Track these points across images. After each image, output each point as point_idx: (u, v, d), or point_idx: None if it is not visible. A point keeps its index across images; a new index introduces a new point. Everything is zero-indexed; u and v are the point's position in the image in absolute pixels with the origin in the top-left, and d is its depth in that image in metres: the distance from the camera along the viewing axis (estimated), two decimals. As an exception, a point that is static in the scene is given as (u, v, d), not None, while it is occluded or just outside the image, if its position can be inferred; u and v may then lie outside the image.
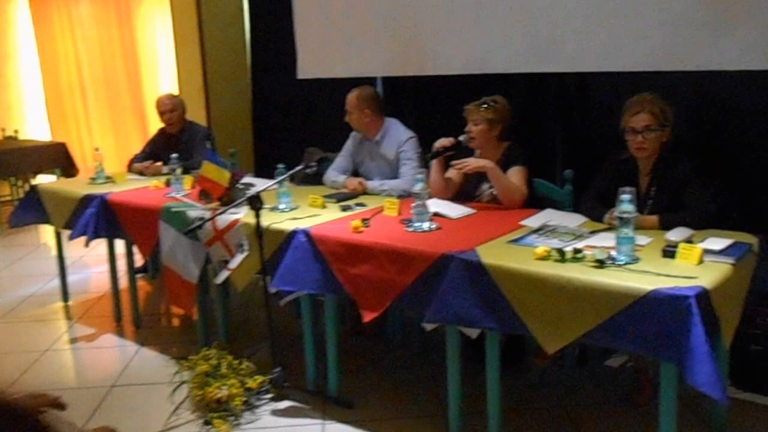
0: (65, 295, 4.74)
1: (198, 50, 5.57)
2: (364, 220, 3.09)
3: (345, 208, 3.45)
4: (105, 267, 4.45)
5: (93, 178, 4.51)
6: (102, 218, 4.03)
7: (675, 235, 2.54)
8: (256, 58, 5.71)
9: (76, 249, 4.71)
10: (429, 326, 2.76)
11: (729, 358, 3.13)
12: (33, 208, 4.49)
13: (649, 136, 2.92)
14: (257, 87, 5.77)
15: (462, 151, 3.43)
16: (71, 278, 4.91)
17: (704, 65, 3.26)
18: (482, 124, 3.40)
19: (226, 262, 3.41)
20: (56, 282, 4.85)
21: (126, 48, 6.62)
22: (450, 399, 2.87)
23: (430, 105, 4.60)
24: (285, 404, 3.27)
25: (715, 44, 3.24)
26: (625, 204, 2.42)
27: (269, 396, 3.32)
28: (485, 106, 3.41)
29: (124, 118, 6.89)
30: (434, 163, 3.49)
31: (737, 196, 3.36)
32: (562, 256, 2.47)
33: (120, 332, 4.24)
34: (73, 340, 4.15)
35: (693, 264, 2.39)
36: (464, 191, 3.58)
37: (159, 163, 4.83)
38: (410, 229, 3.00)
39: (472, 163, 3.32)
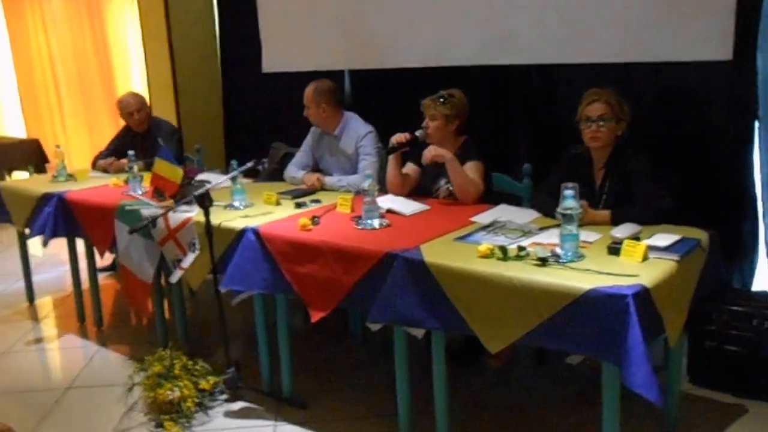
0: (30, 296, 4.67)
1: (166, 45, 5.47)
2: (313, 218, 3.02)
3: (299, 205, 3.39)
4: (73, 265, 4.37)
5: (55, 176, 4.44)
6: (60, 217, 3.96)
7: (620, 231, 2.48)
8: (226, 52, 5.62)
9: (50, 247, 4.64)
10: (374, 326, 2.70)
11: (686, 354, 3.13)
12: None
13: (604, 125, 2.86)
14: (227, 82, 5.68)
15: (419, 146, 3.35)
16: (42, 277, 4.86)
17: (661, 56, 3.21)
18: (439, 119, 3.32)
19: (180, 261, 3.35)
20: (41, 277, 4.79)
21: (98, 44, 6.53)
22: (399, 399, 2.81)
23: (397, 98, 4.51)
24: (239, 405, 3.21)
25: (672, 35, 3.19)
26: (568, 200, 2.35)
27: (224, 397, 3.26)
28: (442, 100, 3.34)
29: (97, 114, 6.79)
30: (391, 159, 3.42)
31: (695, 189, 3.31)
32: (504, 254, 2.41)
33: (83, 332, 4.17)
34: (34, 341, 4.08)
35: (637, 261, 2.33)
36: (422, 187, 3.51)
37: (124, 160, 4.76)
38: (359, 227, 2.93)
39: (432, 151, 3.25)
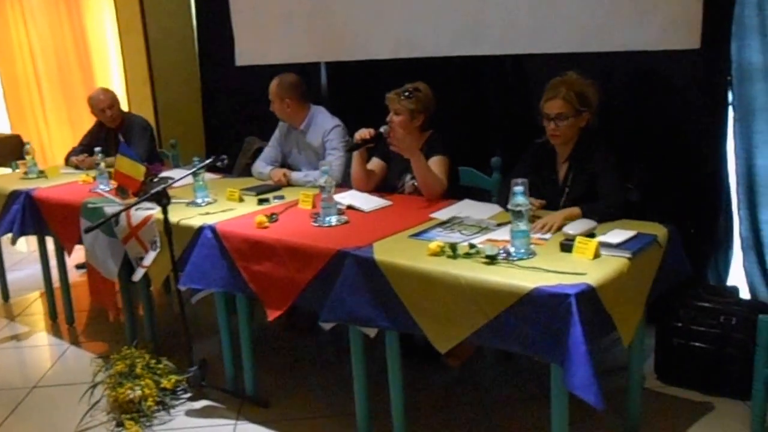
0: (5, 294, 4.64)
1: (142, 39, 5.42)
2: (271, 215, 2.98)
3: (262, 202, 3.34)
4: (53, 263, 4.33)
5: (25, 173, 4.41)
6: (28, 214, 3.93)
7: (573, 228, 2.43)
8: (203, 45, 5.54)
9: (30, 244, 4.61)
10: (326, 326, 2.66)
11: (654, 351, 3.08)
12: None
13: (562, 123, 2.80)
14: (206, 75, 5.61)
15: (383, 142, 3.30)
16: (20, 274, 4.82)
17: (628, 45, 3.15)
18: (403, 114, 3.27)
19: (142, 259, 3.31)
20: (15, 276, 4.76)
21: (77, 38, 6.48)
22: (356, 399, 2.78)
23: (374, 90, 4.44)
24: (201, 404, 3.18)
25: (639, 24, 3.13)
26: (518, 196, 2.30)
27: (188, 395, 3.23)
28: (407, 94, 3.28)
29: (79, 110, 6.71)
30: (355, 155, 3.37)
31: (666, 182, 3.26)
32: (454, 252, 2.37)
33: (55, 330, 4.15)
34: (5, 340, 4.05)
35: (588, 258, 2.28)
36: (387, 182, 3.46)
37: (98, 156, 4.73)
38: (316, 224, 2.89)
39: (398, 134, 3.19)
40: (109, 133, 4.72)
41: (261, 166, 3.88)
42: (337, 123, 3.72)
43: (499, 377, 3.27)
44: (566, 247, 2.36)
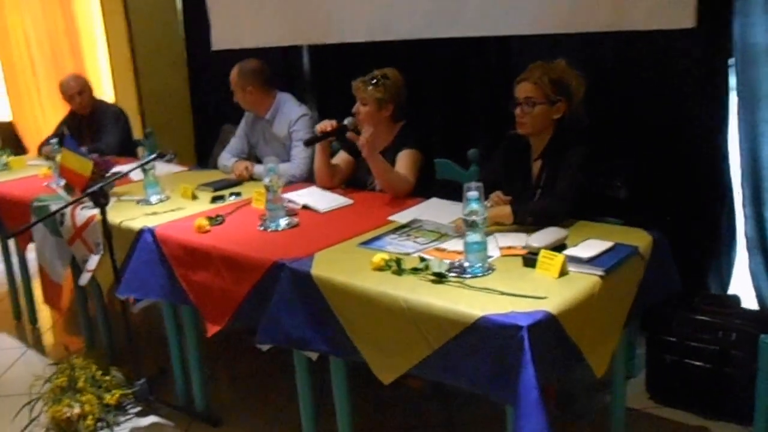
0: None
1: (124, 21, 5.07)
2: (216, 216, 2.63)
3: (216, 199, 2.99)
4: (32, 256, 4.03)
5: (-9, 166, 4.11)
6: (-14, 210, 3.62)
7: (539, 239, 2.02)
8: (190, 29, 5.17)
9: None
10: (263, 347, 2.30)
11: (645, 366, 2.70)
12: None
13: (529, 109, 2.40)
14: (193, 60, 5.25)
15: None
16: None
17: (613, 25, 2.72)
18: (370, 103, 2.88)
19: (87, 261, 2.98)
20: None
21: (68, 23, 6.13)
22: (303, 421, 2.43)
23: (360, 74, 4.08)
24: (149, 420, 2.87)
25: (629, 2, 2.69)
26: (472, 203, 1.91)
27: (137, 410, 2.91)
28: (374, 82, 2.89)
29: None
30: (318, 149, 2.99)
31: (663, 179, 2.85)
32: (399, 267, 1.99)
33: (17, 331, 3.86)
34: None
35: (553, 276, 1.89)
36: (357, 179, 3.09)
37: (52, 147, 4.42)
38: (261, 228, 2.53)
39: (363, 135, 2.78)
40: (82, 122, 4.40)
41: (225, 158, 3.52)
42: (303, 112, 3.35)
43: (472, 395, 2.89)
44: (529, 261, 1.97)
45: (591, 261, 1.92)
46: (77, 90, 4.25)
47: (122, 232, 2.73)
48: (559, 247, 2.02)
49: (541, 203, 2.33)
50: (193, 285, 2.48)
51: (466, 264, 1.95)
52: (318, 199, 2.78)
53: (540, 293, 1.78)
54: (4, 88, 7.36)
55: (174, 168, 3.73)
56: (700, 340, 2.53)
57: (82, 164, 3.04)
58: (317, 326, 2.09)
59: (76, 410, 2.76)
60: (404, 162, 2.83)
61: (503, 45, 3.31)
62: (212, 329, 2.44)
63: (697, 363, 2.55)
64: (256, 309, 2.26)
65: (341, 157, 3.09)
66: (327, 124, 2.88)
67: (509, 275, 1.93)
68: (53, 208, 3.07)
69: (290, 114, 3.35)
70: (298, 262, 2.14)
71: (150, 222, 2.70)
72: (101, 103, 4.44)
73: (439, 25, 3.21)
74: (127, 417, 2.88)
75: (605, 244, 2.02)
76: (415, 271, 1.96)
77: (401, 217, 2.50)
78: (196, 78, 5.25)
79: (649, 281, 2.11)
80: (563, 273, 1.89)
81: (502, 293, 1.80)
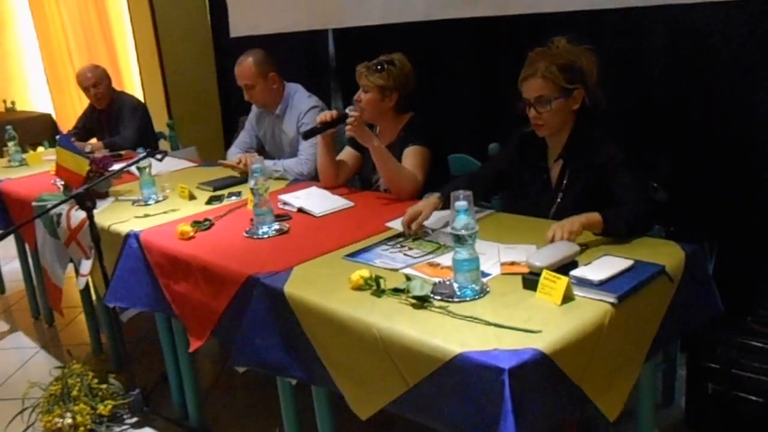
0: (1, 287, 4.32)
1: (147, 7, 4.92)
2: (204, 220, 2.43)
3: (213, 200, 2.79)
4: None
5: (9, 160, 4.03)
6: (-4, 208, 3.53)
7: (542, 256, 1.72)
8: (217, 16, 4.98)
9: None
10: (240, 369, 2.09)
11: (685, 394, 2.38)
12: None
13: (544, 109, 2.08)
14: (220, 48, 5.08)
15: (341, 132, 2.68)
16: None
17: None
18: (372, 91, 2.62)
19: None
20: (6, 269, 4.43)
21: (100, 12, 6.08)
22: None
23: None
24: (143, 433, 2.70)
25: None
26: (461, 216, 1.63)
27: (133, 420, 2.76)
28: (378, 68, 2.62)
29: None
30: (320, 143, 2.75)
31: (705, 179, 2.49)
32: (378, 287, 1.73)
33: (33, 330, 3.78)
34: (-21, 340, 3.72)
35: (555, 302, 1.60)
36: (362, 176, 2.84)
37: (94, 140, 4.31)
38: (247, 236, 2.30)
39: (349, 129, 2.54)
40: (101, 115, 4.29)
41: (231, 153, 3.32)
42: (313, 103, 3.11)
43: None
44: (529, 283, 1.68)
45: (602, 285, 1.62)
46: (92, 82, 4.13)
47: (111, 235, 2.56)
48: (569, 265, 1.72)
49: (633, 210, 1.95)
50: (175, 296, 2.29)
51: (455, 285, 1.68)
52: (316, 201, 2.54)
53: (535, 324, 1.50)
54: (45, 79, 7.40)
55: (184, 164, 3.56)
56: (750, 369, 2.18)
57: (77, 163, 2.89)
58: (292, 350, 1.86)
59: (68, 420, 2.63)
60: (411, 159, 2.56)
61: (535, 24, 2.98)
62: (194, 344, 2.25)
63: (746, 395, 2.19)
64: (234, 326, 2.04)
65: (347, 153, 2.84)
66: (327, 115, 2.64)
67: (504, 300, 1.65)
68: (50, 206, 2.94)
69: (300, 106, 3.11)
70: (273, 276, 1.91)
71: (138, 225, 2.52)
72: (120, 95, 4.31)
73: (458, 3, 2.90)
74: (122, 428, 2.72)
75: (623, 263, 1.71)
76: (395, 292, 1.71)
77: (399, 223, 2.24)
78: (224, 67, 5.07)
79: (679, 307, 1.79)
80: (568, 299, 1.60)
81: (489, 324, 1.52)
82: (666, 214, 2.26)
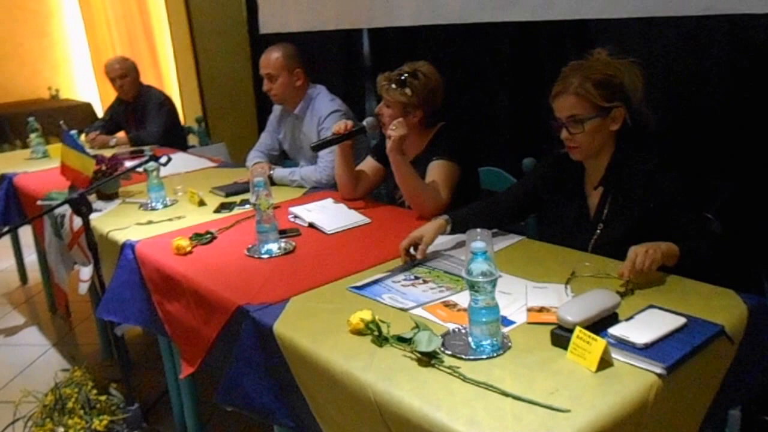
0: (23, 277, 4.14)
1: (182, 3, 4.68)
2: (203, 233, 2.15)
3: (222, 208, 2.51)
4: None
5: (32, 152, 3.83)
6: (12, 202, 3.33)
7: (574, 309, 1.38)
8: (253, 11, 4.71)
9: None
10: (228, 407, 1.80)
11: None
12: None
13: (577, 130, 1.75)
14: (256, 42, 4.80)
15: (362, 140, 2.38)
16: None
17: (716, 7, 2.00)
18: (394, 108, 2.30)
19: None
20: (30, 259, 4.25)
21: (140, 4, 5.88)
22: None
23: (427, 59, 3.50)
24: (138, 453, 2.45)
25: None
26: (478, 259, 1.31)
27: (131, 437, 2.51)
28: (402, 78, 2.29)
29: (146, 77, 6.19)
30: (338, 153, 2.45)
31: (759, 206, 2.12)
32: (380, 335, 1.43)
33: (49, 325, 3.57)
34: (-7, 332, 3.52)
35: (589, 368, 1.27)
36: (386, 189, 2.54)
37: (120, 134, 4.09)
38: (248, 254, 2.02)
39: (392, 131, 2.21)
40: (128, 108, 4.07)
41: (251, 156, 3.04)
42: (335, 108, 2.80)
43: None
44: (559, 340, 1.36)
45: (648, 349, 1.29)
46: (119, 73, 3.91)
47: (110, 243, 2.31)
48: (607, 318, 1.39)
49: (702, 248, 1.66)
50: (168, 315, 2.02)
51: (470, 339, 1.37)
52: (329, 215, 2.24)
53: (563, 399, 1.18)
54: (92, 69, 7.26)
55: (204, 163, 3.30)
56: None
57: (83, 162, 2.65)
58: (282, 395, 1.57)
59: (59, 436, 2.39)
60: (436, 175, 2.24)
61: (580, 30, 2.63)
62: (186, 369, 1.97)
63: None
64: (224, 359, 1.76)
65: (368, 164, 2.53)
66: (342, 125, 2.34)
67: (528, 360, 1.32)
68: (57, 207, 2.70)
69: (321, 109, 2.81)
70: (265, 310, 1.62)
71: (137, 234, 2.26)
72: (148, 89, 4.07)
73: (496, 6, 2.57)
74: (122, 444, 2.48)
75: (673, 321, 1.37)
76: (400, 341, 1.40)
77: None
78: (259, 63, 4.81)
79: (739, 371, 1.45)
80: (605, 364, 1.27)
81: (506, 395, 1.20)
82: (718, 249, 1.91)
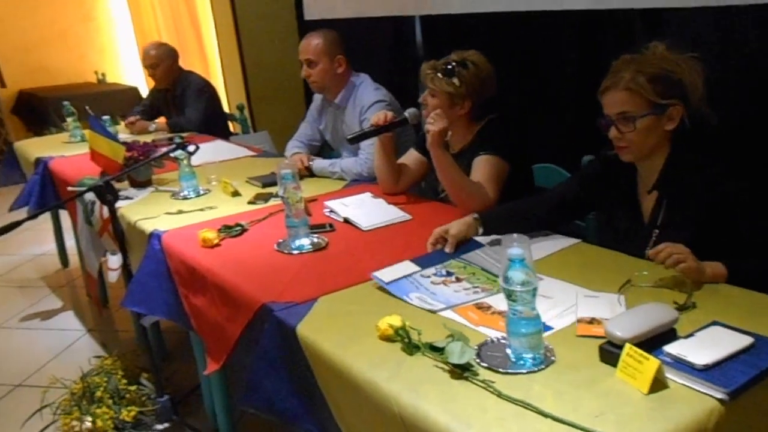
0: (64, 261, 4.21)
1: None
2: (231, 226, 2.12)
3: (257, 199, 2.47)
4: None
5: (70, 136, 3.88)
6: (48, 186, 3.38)
7: (626, 324, 1.29)
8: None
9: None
10: (251, 410, 1.76)
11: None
12: (16, 167, 3.94)
13: (627, 128, 1.65)
14: (304, 29, 4.77)
15: (408, 131, 2.31)
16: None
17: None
18: (440, 98, 2.22)
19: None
20: (71, 242, 4.33)
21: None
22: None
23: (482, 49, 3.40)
24: (168, 443, 2.45)
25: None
26: (516, 268, 1.23)
27: (158, 429, 2.51)
28: (448, 71, 2.21)
29: (192, 62, 6.23)
30: (378, 145, 2.39)
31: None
32: (410, 343, 1.36)
33: (85, 311, 3.61)
34: (30, 317, 3.57)
35: (641, 390, 1.18)
36: (429, 184, 2.46)
37: (160, 119, 4.12)
38: (278, 249, 1.97)
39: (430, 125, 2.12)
40: (167, 94, 4.09)
41: (290, 146, 3.00)
42: (379, 98, 2.73)
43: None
44: (608, 356, 1.27)
45: (708, 371, 1.18)
46: (150, 63, 3.94)
47: (138, 232, 2.31)
48: (664, 334, 1.29)
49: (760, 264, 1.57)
50: (194, 309, 2.00)
51: (509, 350, 1.29)
52: (367, 211, 2.18)
53: (609, 425, 1.09)
54: (138, 53, 7.36)
55: (243, 152, 3.28)
56: None
57: (113, 148, 2.65)
58: (305, 399, 1.52)
59: (87, 425, 2.40)
60: (481, 171, 2.16)
61: (647, 20, 2.50)
62: (211, 366, 1.94)
63: None
64: (247, 359, 1.72)
65: (411, 157, 2.46)
66: (382, 116, 2.28)
67: (573, 377, 1.24)
68: (87, 193, 2.71)
69: (364, 99, 2.75)
70: (290, 309, 1.57)
71: (165, 224, 2.25)
72: (187, 74, 4.08)
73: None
74: (152, 433, 2.48)
75: (739, 340, 1.26)
76: (433, 350, 1.33)
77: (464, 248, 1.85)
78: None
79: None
80: (658, 386, 1.18)
81: (545, 415, 1.12)
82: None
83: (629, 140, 1.67)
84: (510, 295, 1.23)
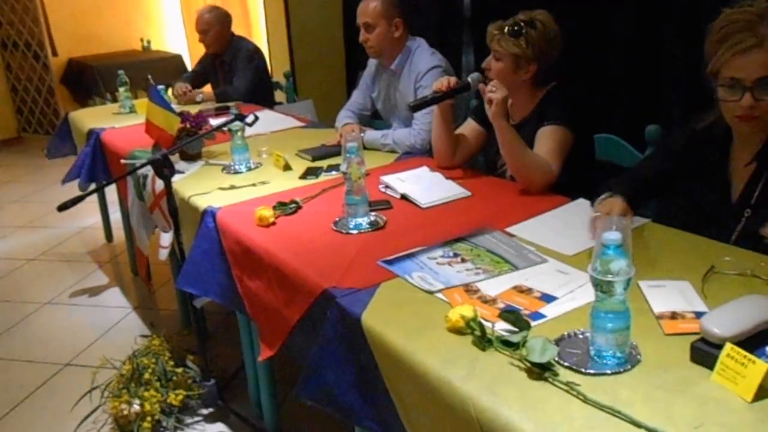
0: (108, 235, 4.22)
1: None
2: (286, 203, 2.04)
3: (308, 174, 2.39)
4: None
5: (120, 107, 3.85)
6: (99, 159, 3.35)
7: (723, 319, 1.17)
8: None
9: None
10: (310, 402, 1.70)
11: None
12: (68, 138, 3.93)
13: (765, 96, 1.46)
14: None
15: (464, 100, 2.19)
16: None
17: None
18: (505, 60, 2.10)
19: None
20: (118, 216, 4.35)
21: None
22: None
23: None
24: (215, 429, 2.42)
25: None
26: (609, 255, 1.12)
27: (204, 413, 2.48)
28: (515, 31, 2.08)
29: (236, 29, 6.16)
30: (436, 115, 2.27)
31: None
32: (483, 336, 1.27)
33: (130, 287, 3.62)
34: (78, 293, 3.57)
35: (744, 398, 1.07)
36: (486, 157, 2.34)
37: (206, 88, 4.06)
38: (335, 228, 1.89)
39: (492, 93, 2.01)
40: (216, 61, 4.02)
41: (341, 116, 2.90)
42: (435, 63, 2.61)
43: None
44: (701, 356, 1.16)
45: (821, 378, 1.07)
46: (202, 27, 3.87)
47: (191, 209, 2.25)
48: (758, 336, 1.17)
49: None
50: (248, 292, 1.93)
51: (591, 348, 1.19)
52: (424, 187, 2.08)
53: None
54: (182, 20, 7.32)
55: (291, 122, 3.20)
56: None
57: (168, 120, 2.59)
58: (367, 394, 1.45)
59: (135, 408, 2.38)
60: (546, 142, 2.03)
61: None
62: (264, 353, 1.89)
63: None
64: (306, 347, 1.66)
65: (469, 127, 2.35)
66: (445, 82, 2.16)
67: (662, 379, 1.13)
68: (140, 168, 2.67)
69: (420, 64, 2.63)
70: (353, 295, 1.50)
71: (219, 200, 2.19)
72: (239, 41, 4.00)
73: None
74: (193, 420, 2.46)
75: None
76: (507, 345, 1.23)
77: (523, 230, 1.74)
78: (351, 15, 4.65)
79: None
80: (764, 393, 1.07)
81: (637, 425, 1.02)
82: None
83: (763, 109, 1.46)
84: (599, 285, 1.13)
